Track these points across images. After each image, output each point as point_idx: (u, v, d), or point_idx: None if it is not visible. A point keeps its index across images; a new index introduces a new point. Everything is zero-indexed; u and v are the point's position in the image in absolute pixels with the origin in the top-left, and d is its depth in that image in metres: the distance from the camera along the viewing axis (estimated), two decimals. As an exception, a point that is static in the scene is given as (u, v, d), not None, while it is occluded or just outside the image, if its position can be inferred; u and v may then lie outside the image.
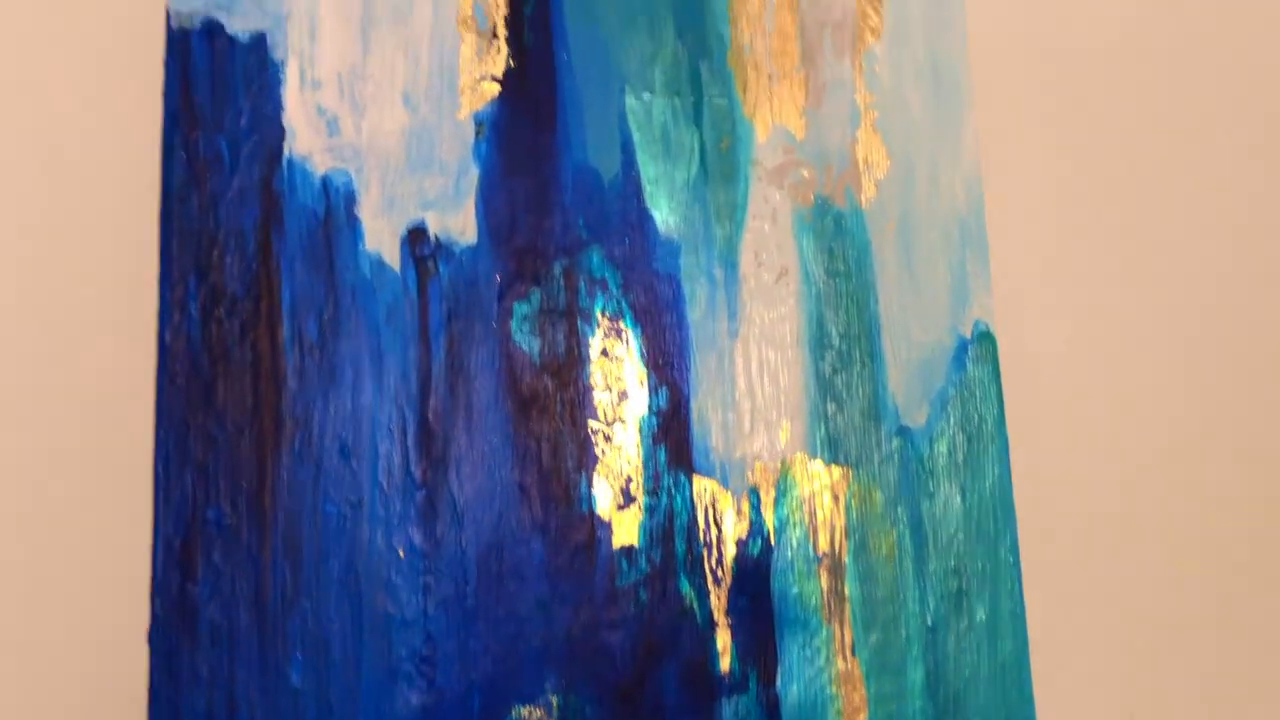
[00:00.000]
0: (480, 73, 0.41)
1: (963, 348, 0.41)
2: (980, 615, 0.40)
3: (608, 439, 0.39)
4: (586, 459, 0.39)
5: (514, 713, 0.37)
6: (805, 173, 0.41)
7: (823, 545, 0.39)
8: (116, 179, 0.42)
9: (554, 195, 0.40)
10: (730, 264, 0.41)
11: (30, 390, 0.41)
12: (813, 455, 0.40)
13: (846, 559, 0.39)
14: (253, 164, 0.39)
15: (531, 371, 0.39)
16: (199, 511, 0.37)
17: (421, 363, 0.39)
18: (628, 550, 0.38)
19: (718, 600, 0.38)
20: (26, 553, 0.40)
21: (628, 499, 0.38)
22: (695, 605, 0.38)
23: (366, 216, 0.39)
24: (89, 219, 0.42)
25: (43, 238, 0.43)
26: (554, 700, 0.37)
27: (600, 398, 0.39)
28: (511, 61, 0.41)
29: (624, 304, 0.40)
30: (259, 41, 0.40)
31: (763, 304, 0.40)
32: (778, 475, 0.39)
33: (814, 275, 0.41)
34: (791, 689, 0.38)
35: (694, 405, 0.39)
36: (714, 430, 0.39)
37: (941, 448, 0.40)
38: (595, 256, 0.40)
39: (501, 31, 0.41)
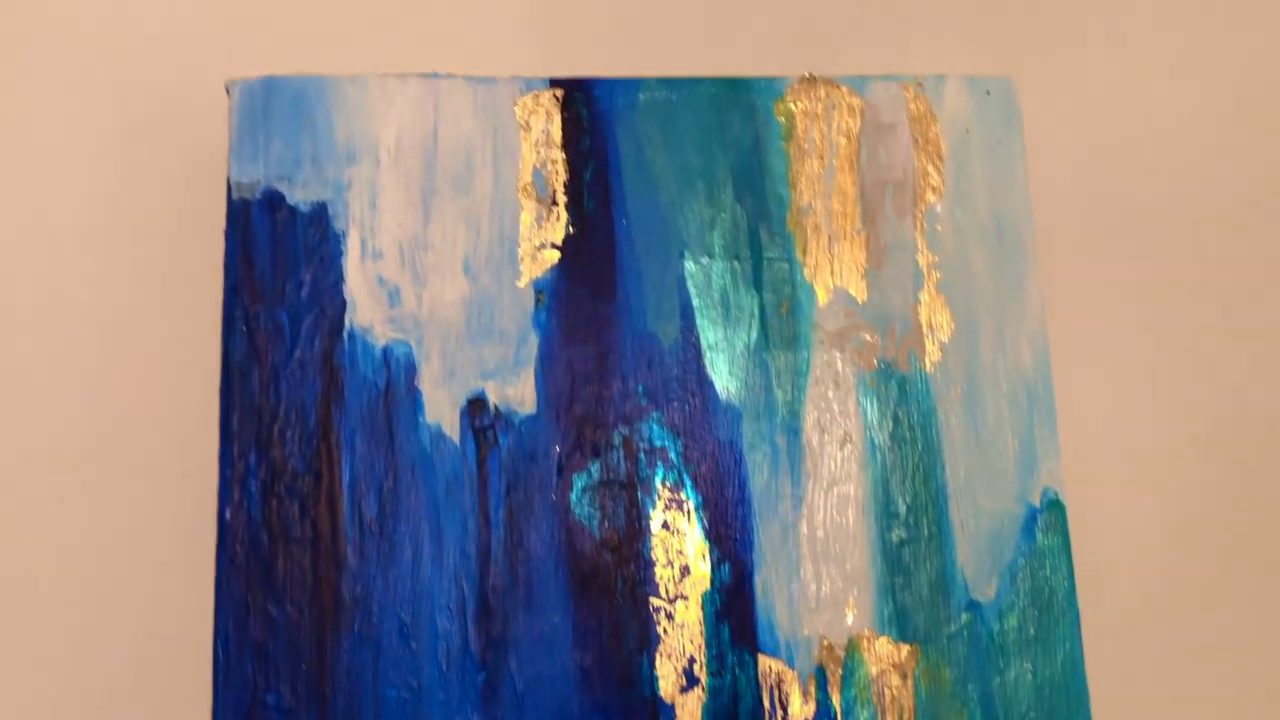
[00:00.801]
0: (540, 240, 0.40)
1: (1032, 517, 0.40)
2: (1055, 796, 0.38)
3: (669, 616, 0.38)
4: (648, 638, 0.38)
5: None
6: (868, 336, 0.41)
7: (891, 724, 0.38)
8: (177, 353, 0.43)
9: (613, 362, 0.40)
10: (793, 431, 0.40)
11: (94, 574, 0.41)
12: (880, 632, 0.39)
13: (915, 738, 0.38)
14: (314, 337, 0.39)
15: (592, 545, 0.38)
16: (258, 695, 0.36)
17: (481, 538, 0.38)
18: (691, 733, 0.37)
19: (783, 784, 0.37)
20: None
21: (691, 680, 0.38)
22: (760, 790, 0.37)
23: (427, 388, 0.39)
24: (151, 394, 0.42)
25: (107, 415, 0.43)
26: None
27: (661, 573, 0.38)
28: (571, 228, 0.41)
29: (684, 474, 0.39)
30: (320, 212, 0.40)
31: (826, 472, 0.40)
32: (844, 653, 0.38)
33: (879, 442, 0.40)
34: None
35: (757, 579, 0.39)
36: (778, 606, 0.38)
37: (1012, 622, 0.39)
38: (655, 425, 0.39)
39: (561, 198, 0.41)
